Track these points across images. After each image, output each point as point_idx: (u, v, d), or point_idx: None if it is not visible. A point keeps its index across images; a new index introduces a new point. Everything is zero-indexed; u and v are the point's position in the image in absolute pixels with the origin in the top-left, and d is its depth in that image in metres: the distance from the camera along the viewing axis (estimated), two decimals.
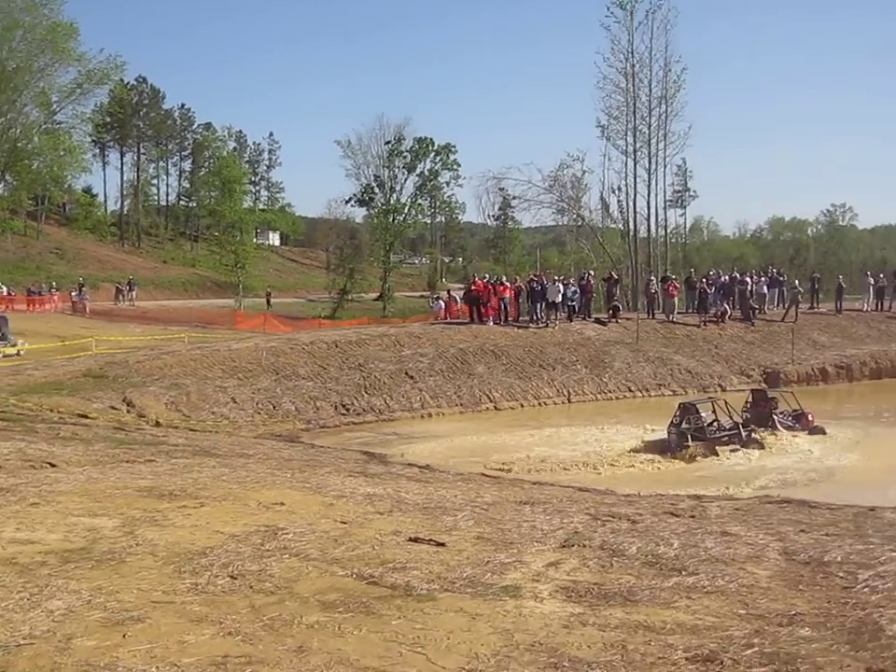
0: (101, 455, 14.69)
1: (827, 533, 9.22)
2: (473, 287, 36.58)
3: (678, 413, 22.24)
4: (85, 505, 9.37)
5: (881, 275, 45.84)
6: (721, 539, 8.66)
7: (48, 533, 7.97)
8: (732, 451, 21.71)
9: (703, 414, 22.28)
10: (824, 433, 24.08)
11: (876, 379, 36.33)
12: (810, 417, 24.63)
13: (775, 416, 24.22)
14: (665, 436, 22.27)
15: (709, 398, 24.85)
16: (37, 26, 41.79)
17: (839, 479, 19.18)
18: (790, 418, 24.51)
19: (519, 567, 7.35)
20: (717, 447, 21.66)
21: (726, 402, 22.85)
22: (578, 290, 37.15)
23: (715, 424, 22.41)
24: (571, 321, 36.43)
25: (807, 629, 5.82)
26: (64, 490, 10.22)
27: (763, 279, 42.03)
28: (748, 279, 40.87)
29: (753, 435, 22.39)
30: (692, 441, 21.47)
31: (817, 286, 44.63)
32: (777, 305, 41.67)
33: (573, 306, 36.76)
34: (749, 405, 24.80)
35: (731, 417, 22.56)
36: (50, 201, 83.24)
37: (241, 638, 5.40)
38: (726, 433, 22.17)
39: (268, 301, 72.41)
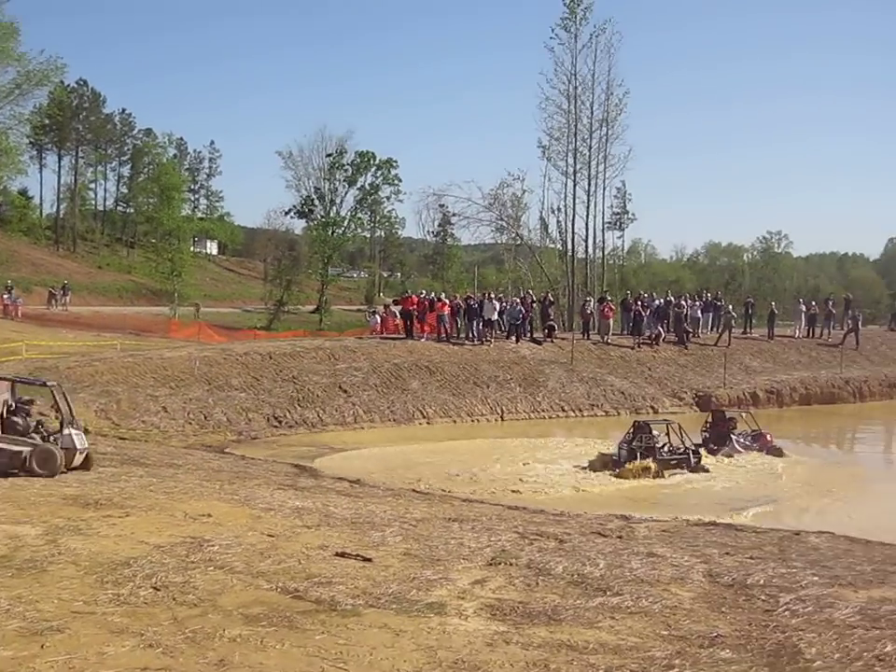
0: None
1: (751, 556, 9.34)
2: (406, 300, 36.65)
3: (631, 431, 22.42)
4: (8, 512, 9.26)
5: (813, 303, 46.62)
6: (646, 560, 8.74)
7: None
8: (677, 474, 21.85)
9: (656, 434, 22.42)
10: (781, 454, 24.46)
11: (806, 405, 36.85)
12: (768, 437, 25.03)
13: (733, 436, 24.55)
14: (612, 452, 22.42)
15: (664, 420, 24.94)
16: None
17: (780, 502, 19.32)
18: (748, 438, 24.88)
19: (445, 584, 7.36)
20: (664, 469, 21.82)
21: (680, 426, 22.98)
22: (523, 310, 37.13)
23: (666, 446, 22.59)
24: (518, 341, 36.46)
25: (728, 651, 5.90)
26: None
27: (697, 303, 42.40)
28: (683, 303, 41.19)
29: (702, 462, 22.53)
30: (640, 459, 21.62)
31: (750, 311, 45.15)
32: (711, 329, 42.08)
33: (517, 325, 36.73)
34: (708, 425, 25.19)
35: (683, 442, 22.70)
36: None
37: (161, 651, 5.36)
38: (676, 457, 22.32)
39: (196, 312, 71.93)
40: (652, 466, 21.54)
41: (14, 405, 14.74)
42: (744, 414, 26.41)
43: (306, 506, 11.77)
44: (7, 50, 42.28)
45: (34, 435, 14.31)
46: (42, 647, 5.30)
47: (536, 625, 6.32)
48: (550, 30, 54.82)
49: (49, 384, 16.04)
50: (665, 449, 22.53)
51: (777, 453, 24.52)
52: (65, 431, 14.34)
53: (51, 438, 14.39)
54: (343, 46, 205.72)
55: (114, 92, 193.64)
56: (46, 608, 6.07)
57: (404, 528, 10.38)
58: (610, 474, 21.36)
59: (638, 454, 21.80)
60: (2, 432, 13.97)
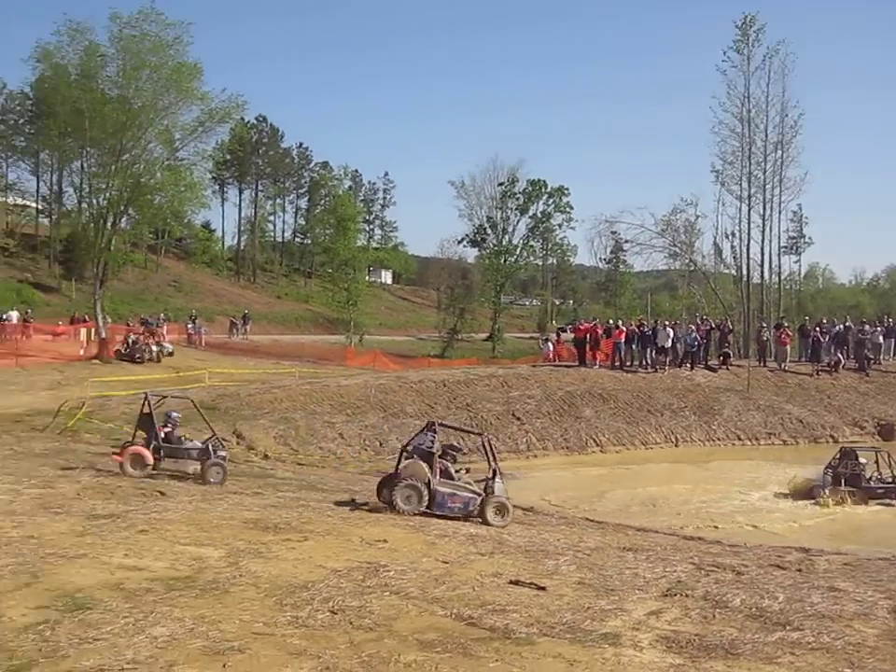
0: (209, 486, 15.00)
1: None
2: (578, 328, 36.71)
3: (837, 457, 21.89)
4: (192, 534, 9.54)
5: None
6: (827, 595, 8.48)
7: (154, 560, 8.14)
8: (884, 504, 21.17)
9: (863, 462, 21.78)
10: None
11: None
12: None
13: None
14: (815, 478, 21.87)
15: (874, 447, 24.20)
16: (163, 66, 42.67)
17: None
18: None
19: (619, 615, 7.28)
20: (869, 499, 21.16)
21: (889, 455, 22.22)
22: (699, 337, 36.59)
23: (874, 475, 21.91)
24: (692, 368, 35.98)
25: None
26: (173, 519, 10.42)
27: (878, 328, 40.95)
28: (866, 327, 39.88)
29: None
30: (844, 486, 21.05)
31: None
32: (894, 356, 40.53)
33: (693, 352, 36.25)
34: None
35: (892, 471, 21.94)
36: (170, 235, 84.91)
37: None
38: (883, 486, 21.63)
39: (360, 339, 73.55)
40: (854, 495, 20.92)
41: (442, 450, 14.70)
42: None
43: (480, 533, 11.82)
44: (192, 90, 43.73)
45: (469, 482, 14.33)
46: (224, 666, 5.44)
47: (713, 659, 6.20)
48: (722, 53, 53.83)
49: (480, 434, 16.84)
50: (872, 478, 21.83)
51: None
52: (497, 480, 14.39)
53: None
54: (516, 75, 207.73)
55: (290, 124, 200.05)
56: (227, 628, 6.23)
57: (578, 557, 10.33)
58: (811, 502, 20.84)
59: (843, 480, 21.22)
60: (439, 478, 13.84)
